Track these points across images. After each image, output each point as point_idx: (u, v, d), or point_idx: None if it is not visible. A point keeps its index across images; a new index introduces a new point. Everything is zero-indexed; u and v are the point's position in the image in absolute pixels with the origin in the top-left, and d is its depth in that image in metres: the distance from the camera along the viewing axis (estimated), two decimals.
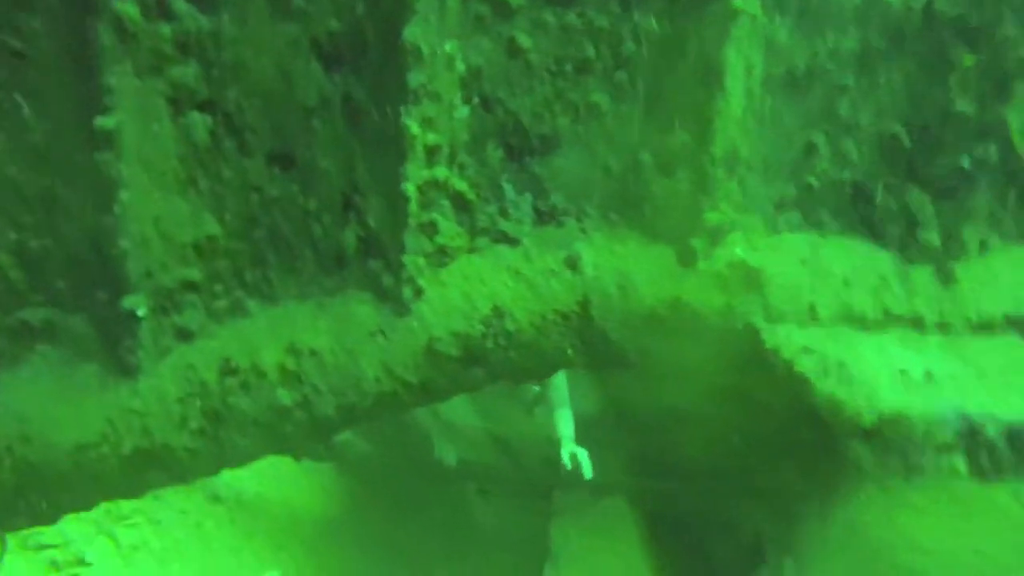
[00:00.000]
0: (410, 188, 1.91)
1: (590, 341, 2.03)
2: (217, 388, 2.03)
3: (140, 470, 2.10)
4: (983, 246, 2.06)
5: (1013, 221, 2.09)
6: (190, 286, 2.05)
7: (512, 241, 2.12)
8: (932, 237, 2.00)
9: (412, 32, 1.78)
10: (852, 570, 2.26)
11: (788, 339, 1.85)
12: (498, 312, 2.00)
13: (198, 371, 2.06)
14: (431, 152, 1.95)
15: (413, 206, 1.94)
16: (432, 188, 1.98)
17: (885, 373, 1.73)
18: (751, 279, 1.96)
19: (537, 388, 2.48)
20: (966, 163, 1.91)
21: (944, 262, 2.00)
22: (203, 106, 1.82)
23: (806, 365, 1.74)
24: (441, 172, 1.98)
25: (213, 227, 1.94)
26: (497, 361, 2.04)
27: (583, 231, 2.12)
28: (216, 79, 1.80)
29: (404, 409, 2.17)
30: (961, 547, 2.41)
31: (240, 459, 2.24)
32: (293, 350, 2.03)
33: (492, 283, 2.04)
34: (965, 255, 2.04)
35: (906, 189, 2.00)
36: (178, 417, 2.05)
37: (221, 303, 2.13)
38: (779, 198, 2.03)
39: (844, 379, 1.69)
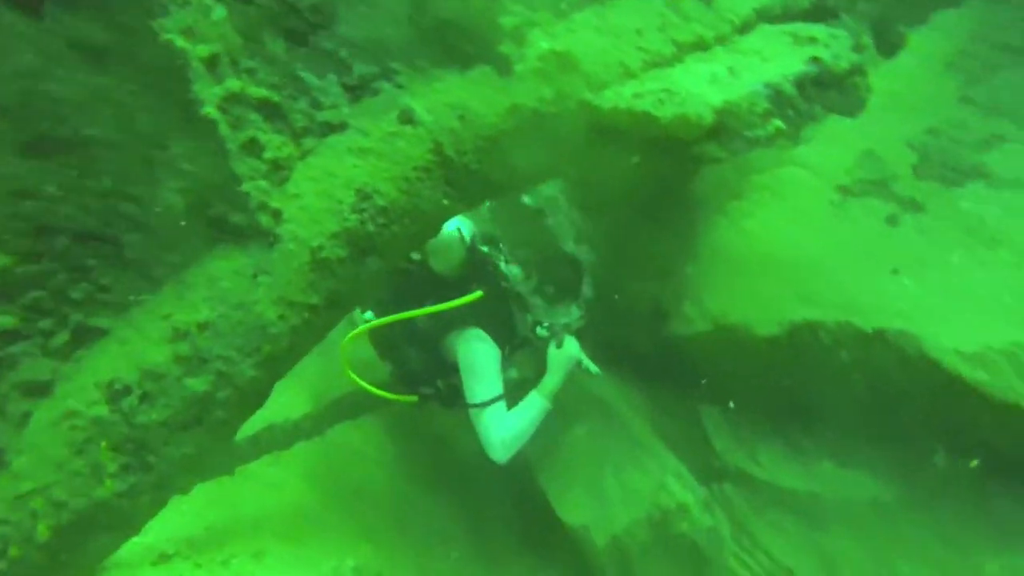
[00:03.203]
0: (211, 110, 1.68)
1: (458, 182, 2.01)
2: (116, 416, 1.75)
3: (75, 547, 1.80)
4: None
5: None
6: (10, 334, 1.69)
7: (338, 127, 1.98)
8: None
9: None
10: (729, 266, 2.65)
11: (618, 95, 1.97)
12: (363, 194, 1.89)
13: (81, 413, 1.75)
14: (211, 65, 1.70)
15: (224, 128, 1.72)
16: (233, 104, 1.75)
17: (701, 83, 1.92)
18: (565, 62, 2.03)
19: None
20: None
21: None
22: None
23: (644, 104, 1.88)
24: (233, 84, 1.75)
25: None
26: (385, 240, 1.96)
27: (400, 87, 2.03)
28: None
29: (322, 334, 2.03)
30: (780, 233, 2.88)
31: (184, 477, 1.99)
32: (179, 335, 1.79)
33: (343, 171, 1.91)
34: None
35: None
36: (87, 470, 1.75)
37: (60, 337, 1.79)
38: None
39: (677, 102, 1.86)
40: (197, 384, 1.82)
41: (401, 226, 1.97)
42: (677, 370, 2.75)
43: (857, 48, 1.88)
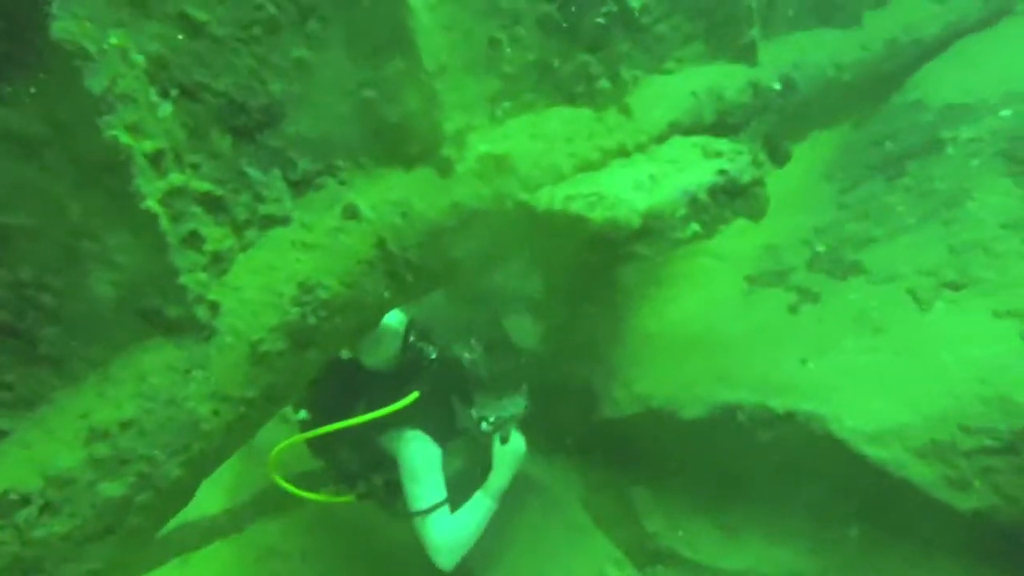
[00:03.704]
0: (152, 204, 1.66)
1: (399, 275, 2.06)
2: (6, 534, 1.59)
3: None
4: (635, 80, 2.57)
5: (643, 57, 2.64)
6: None
7: (282, 221, 2.01)
8: (605, 84, 2.43)
9: (63, 28, 1.49)
10: (654, 350, 2.82)
11: (552, 196, 2.13)
12: (306, 287, 1.90)
13: None
14: (155, 161, 1.70)
15: (165, 223, 1.70)
16: (175, 198, 1.75)
17: (627, 189, 2.11)
18: (502, 165, 2.18)
19: None
20: (602, 20, 2.34)
21: (620, 100, 2.46)
22: None
23: (577, 207, 2.04)
24: (177, 178, 1.75)
25: None
26: (326, 333, 1.96)
27: (343, 183, 2.10)
28: None
29: (256, 429, 1.96)
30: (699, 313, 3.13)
31: None
32: (96, 435, 1.68)
33: (285, 264, 1.92)
34: (628, 90, 2.53)
35: (572, 54, 2.37)
36: None
37: None
38: (490, 93, 2.25)
39: (607, 205, 2.03)
40: (113, 489, 1.69)
41: (343, 318, 1.98)
42: (608, 449, 2.82)
43: (756, 163, 2.15)
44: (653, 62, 2.63)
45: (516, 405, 2.40)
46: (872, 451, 2.20)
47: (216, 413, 1.78)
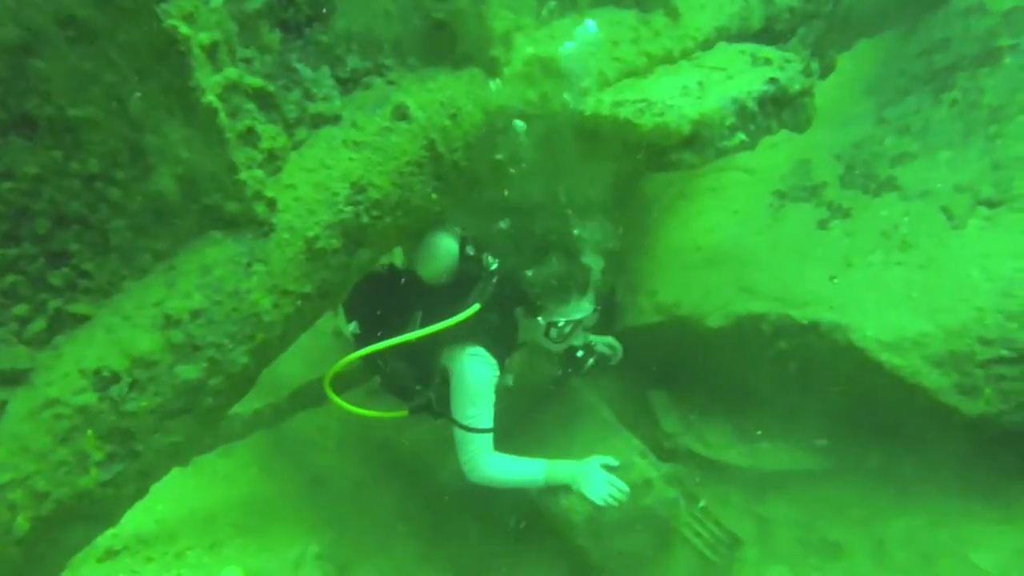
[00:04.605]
0: (212, 99, 1.67)
1: (447, 177, 2.09)
2: (104, 404, 1.72)
3: (54, 540, 1.75)
4: None
5: None
6: None
7: (332, 120, 2.01)
8: None
9: None
10: (680, 261, 2.89)
11: (599, 103, 2.11)
12: (358, 187, 1.93)
13: (65, 402, 1.71)
14: (211, 53, 1.69)
15: (223, 118, 1.71)
16: (231, 93, 1.75)
17: (675, 95, 2.09)
18: (549, 68, 2.14)
19: None
20: None
21: (668, 3, 2.38)
22: None
23: (625, 113, 2.03)
24: (232, 73, 1.74)
25: None
26: (377, 233, 2.01)
27: (391, 83, 2.08)
28: None
29: (312, 322, 2.06)
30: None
31: (169, 465, 1.97)
32: (171, 322, 1.77)
33: (337, 163, 1.94)
34: None
35: None
36: (73, 459, 1.71)
37: (37, 324, 1.73)
38: None
39: (656, 111, 2.02)
40: (189, 372, 1.81)
41: (393, 218, 2.02)
42: (628, 356, 2.95)
43: (807, 72, 2.12)
44: None
45: (584, 309, 2.27)
46: (888, 358, 2.31)
47: (276, 306, 1.87)
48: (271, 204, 1.86)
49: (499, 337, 2.26)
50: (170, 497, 3.35)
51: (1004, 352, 2.13)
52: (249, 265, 1.84)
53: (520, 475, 2.26)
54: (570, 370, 2.44)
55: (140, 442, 1.79)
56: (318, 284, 1.95)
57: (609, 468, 2.23)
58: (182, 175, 1.76)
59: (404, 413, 2.45)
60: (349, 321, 2.51)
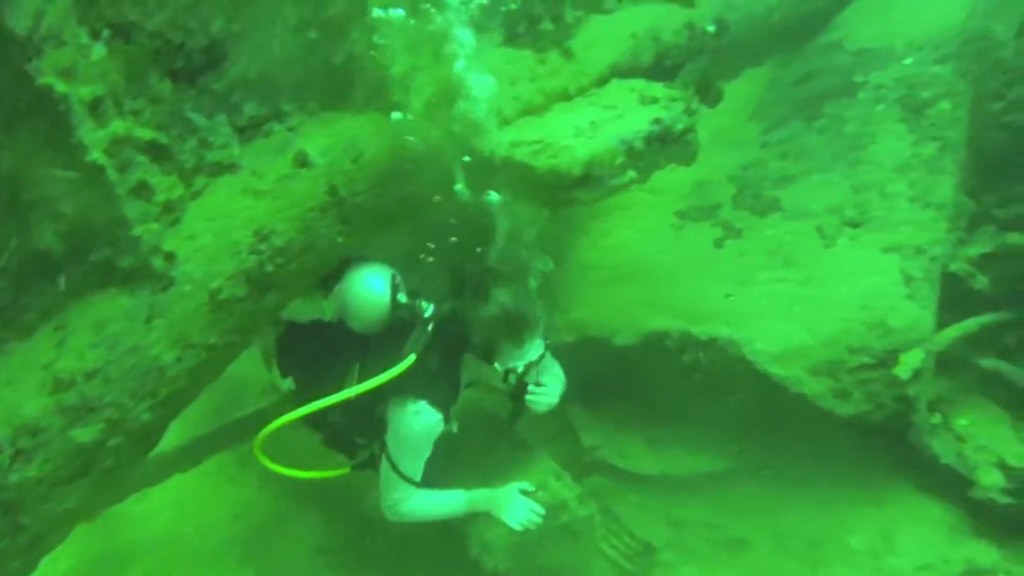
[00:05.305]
0: (98, 156, 1.63)
1: (351, 219, 2.11)
2: None
3: None
4: (577, 21, 2.60)
5: None
6: None
7: (231, 168, 1.99)
8: (547, 26, 2.46)
9: None
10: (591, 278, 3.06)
11: (498, 143, 2.19)
12: (261, 235, 1.93)
13: None
14: (94, 108, 1.65)
15: (111, 174, 1.68)
16: (119, 147, 1.71)
17: (569, 135, 2.21)
18: (449, 108, 2.20)
19: None
20: None
21: (562, 43, 2.50)
22: None
23: (521, 154, 2.12)
24: (119, 126, 1.71)
25: None
26: (284, 279, 2.01)
27: (291, 129, 2.08)
28: None
29: (220, 371, 2.03)
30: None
31: (64, 532, 1.90)
32: (61, 384, 1.71)
33: (239, 212, 1.93)
34: (569, 33, 2.57)
35: None
36: None
37: None
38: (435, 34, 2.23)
39: (550, 152, 2.12)
40: (84, 434, 1.75)
41: (299, 264, 2.03)
42: None
43: (689, 111, 2.28)
44: (594, 2, 2.65)
45: (536, 349, 2.10)
46: (775, 369, 2.53)
47: (180, 359, 1.84)
48: (170, 258, 1.83)
49: (441, 385, 2.13)
50: (79, 546, 3.19)
51: (866, 359, 2.39)
52: (149, 320, 1.80)
53: (441, 509, 2.26)
54: (519, 412, 2.31)
55: (26, 514, 1.71)
56: (224, 333, 1.93)
57: (525, 492, 2.31)
58: (67, 231, 1.71)
59: (346, 470, 2.37)
60: (284, 377, 2.39)
